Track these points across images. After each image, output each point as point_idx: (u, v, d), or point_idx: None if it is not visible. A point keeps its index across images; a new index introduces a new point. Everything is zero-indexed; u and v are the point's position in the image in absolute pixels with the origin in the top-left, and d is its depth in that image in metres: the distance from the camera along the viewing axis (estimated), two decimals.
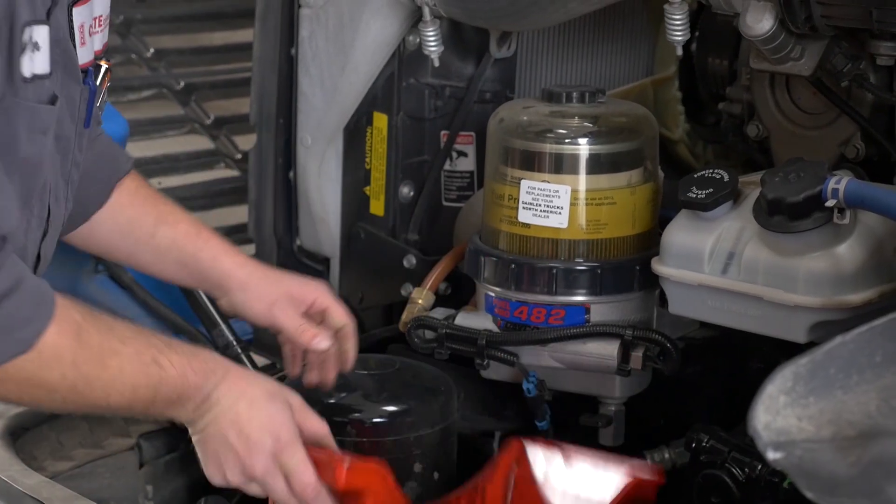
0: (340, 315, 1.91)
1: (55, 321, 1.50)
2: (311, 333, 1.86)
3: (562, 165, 1.91)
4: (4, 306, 1.46)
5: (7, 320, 1.47)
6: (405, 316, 2.08)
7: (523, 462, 1.74)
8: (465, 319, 2.01)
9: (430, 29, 2.18)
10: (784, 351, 1.60)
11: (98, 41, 1.64)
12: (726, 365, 2.04)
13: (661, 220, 1.94)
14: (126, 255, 1.92)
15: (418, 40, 2.22)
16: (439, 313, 2.05)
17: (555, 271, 1.92)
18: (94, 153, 1.79)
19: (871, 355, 1.15)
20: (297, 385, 1.99)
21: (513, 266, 1.94)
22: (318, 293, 1.90)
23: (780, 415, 1.09)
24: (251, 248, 2.59)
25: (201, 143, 3.19)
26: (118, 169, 1.88)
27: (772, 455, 1.07)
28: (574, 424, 2.01)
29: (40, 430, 2.23)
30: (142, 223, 1.88)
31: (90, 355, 1.52)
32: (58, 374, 1.51)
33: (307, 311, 1.90)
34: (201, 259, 1.88)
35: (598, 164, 1.91)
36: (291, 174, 2.41)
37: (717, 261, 1.78)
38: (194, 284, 1.98)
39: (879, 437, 1.04)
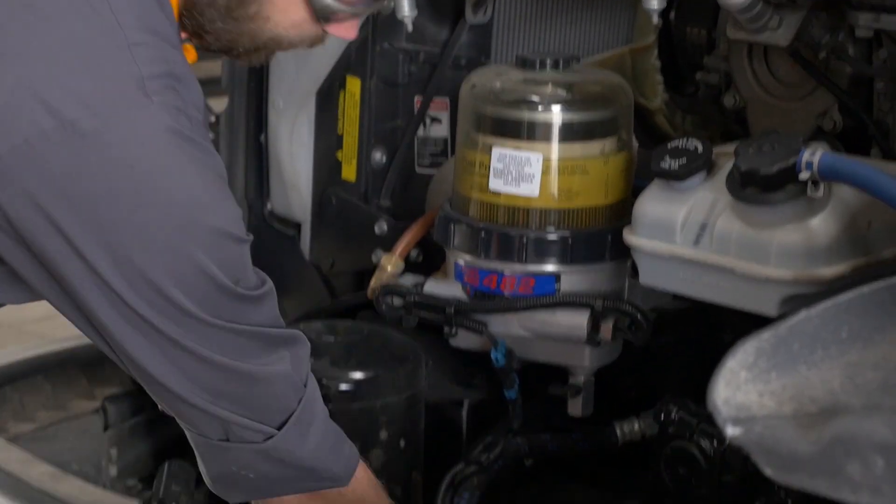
0: None
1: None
2: None
3: (534, 133, 1.88)
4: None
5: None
6: (373, 282, 2.06)
7: None
8: (434, 287, 1.99)
9: None
10: (756, 324, 1.58)
11: None
12: (698, 337, 2.02)
13: (635, 191, 1.92)
14: None
15: (392, 4, 2.19)
16: (408, 280, 2.03)
17: (525, 240, 1.89)
18: None
19: (837, 331, 1.14)
20: None
21: (483, 234, 1.91)
22: None
23: (740, 390, 1.07)
24: None
25: None
26: None
27: (731, 431, 1.05)
28: (543, 394, 1.99)
29: (3, 391, 2.21)
30: None
31: None
32: None
33: None
34: None
35: (570, 133, 1.88)
36: (263, 138, 2.38)
37: (689, 232, 1.76)
38: None
39: (841, 414, 1.02)
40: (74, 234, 1.45)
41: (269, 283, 1.59)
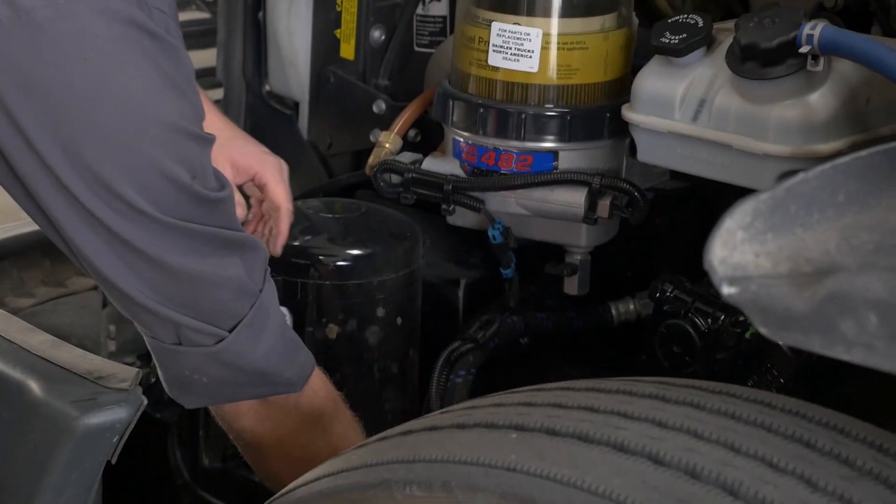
0: (276, 196, 1.87)
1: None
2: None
3: (534, 8, 1.86)
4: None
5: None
6: (371, 160, 2.06)
7: None
8: (431, 164, 1.99)
9: None
10: None
11: None
12: (695, 216, 2.02)
13: (634, 70, 1.90)
14: None
15: None
16: (406, 157, 2.02)
17: (524, 116, 1.89)
18: None
19: (834, 194, 1.13)
20: None
21: (481, 110, 1.90)
22: (261, 167, 1.86)
23: (736, 250, 1.07)
24: (220, 92, 2.55)
25: None
26: None
27: (726, 290, 1.05)
28: (539, 273, 2.00)
29: (2, 266, 2.21)
30: None
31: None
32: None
33: (247, 182, 1.86)
34: None
35: (570, 7, 1.87)
36: (261, 16, 2.36)
37: (688, 108, 1.75)
38: None
39: (836, 273, 1.02)
40: (27, 125, 1.43)
41: (229, 188, 1.57)
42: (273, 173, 1.88)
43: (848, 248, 1.08)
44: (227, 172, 1.80)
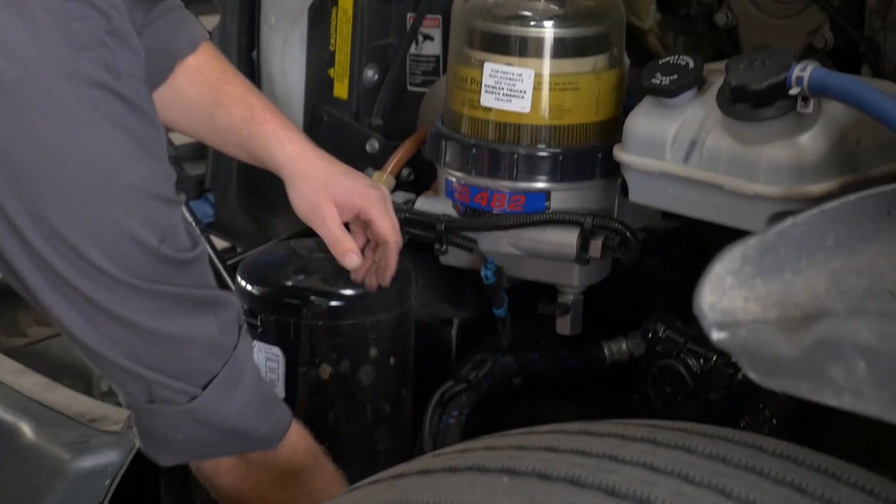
0: (383, 231, 1.82)
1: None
2: (344, 248, 1.80)
3: (526, 48, 1.88)
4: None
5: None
6: None
7: None
8: (424, 204, 1.99)
9: None
10: None
11: None
12: (687, 256, 2.03)
13: (626, 110, 1.91)
14: (193, 133, 1.87)
15: None
16: (399, 197, 2.03)
17: (516, 156, 1.89)
18: (155, 28, 1.73)
19: (823, 238, 1.14)
20: (257, 265, 1.98)
21: (474, 150, 1.91)
22: (365, 202, 1.81)
23: (726, 295, 1.08)
24: None
25: None
26: (178, 49, 1.80)
27: (716, 335, 1.05)
28: (532, 312, 2.00)
29: None
30: (201, 105, 1.81)
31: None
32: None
33: (354, 219, 1.84)
34: (255, 146, 1.81)
35: (563, 49, 1.88)
36: (255, 55, 2.37)
37: (680, 148, 1.76)
38: (257, 165, 1.87)
39: (825, 318, 1.03)
40: None
41: (202, 246, 1.57)
42: (377, 207, 1.83)
43: (837, 292, 1.08)
44: (332, 212, 1.80)
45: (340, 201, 1.81)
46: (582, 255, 1.90)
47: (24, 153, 1.43)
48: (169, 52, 1.79)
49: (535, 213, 1.91)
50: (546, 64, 1.87)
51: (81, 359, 2.15)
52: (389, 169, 2.10)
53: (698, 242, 1.99)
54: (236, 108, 1.81)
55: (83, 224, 1.45)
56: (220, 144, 1.86)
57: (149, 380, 1.54)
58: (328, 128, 2.31)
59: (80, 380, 2.11)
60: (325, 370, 1.94)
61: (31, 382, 1.65)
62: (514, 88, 1.88)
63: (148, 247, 1.49)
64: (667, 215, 1.93)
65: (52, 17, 1.41)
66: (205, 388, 1.57)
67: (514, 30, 1.88)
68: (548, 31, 1.87)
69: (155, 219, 1.50)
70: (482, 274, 1.93)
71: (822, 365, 1.01)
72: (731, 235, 1.78)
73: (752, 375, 1.05)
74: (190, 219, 2.26)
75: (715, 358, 1.83)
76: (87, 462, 1.55)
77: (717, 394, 1.83)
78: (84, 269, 1.46)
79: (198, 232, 1.57)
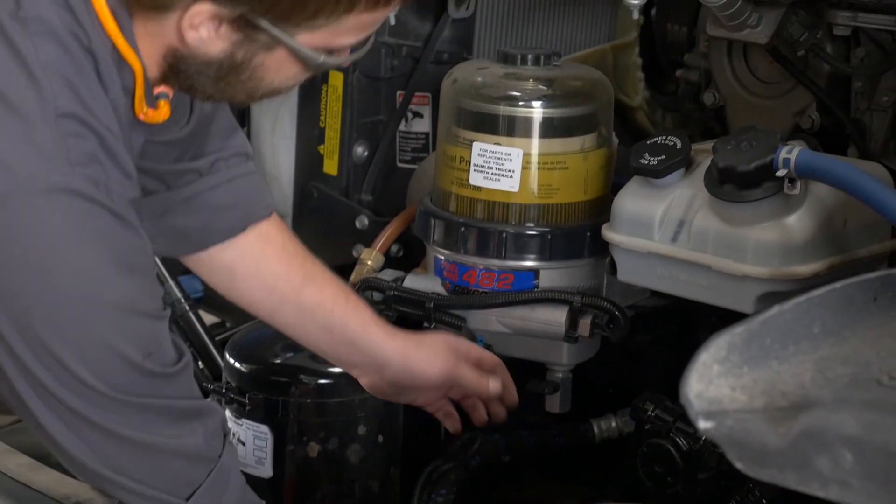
0: (492, 357, 1.90)
1: None
2: (489, 382, 1.87)
3: (514, 128, 1.89)
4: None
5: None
6: (354, 277, 2.06)
7: None
8: (413, 282, 1.99)
9: None
10: (733, 321, 1.59)
11: None
12: (675, 334, 2.03)
13: (614, 187, 1.92)
14: (268, 312, 1.83)
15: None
16: (388, 275, 2.03)
17: (504, 235, 1.90)
18: (225, 178, 1.75)
19: (809, 326, 1.14)
20: (246, 342, 1.97)
21: (462, 229, 1.92)
22: (468, 344, 1.89)
23: (712, 384, 1.08)
24: None
25: None
26: (255, 208, 1.80)
27: (703, 424, 1.06)
28: (521, 390, 1.99)
29: None
30: (288, 280, 1.80)
31: None
32: None
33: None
34: (350, 327, 1.81)
35: (551, 128, 1.89)
36: (245, 130, 2.38)
37: (668, 229, 1.77)
38: (336, 353, 1.86)
39: (810, 408, 1.03)
40: None
41: (187, 357, 1.56)
42: (474, 344, 1.90)
43: (823, 381, 1.09)
44: (458, 362, 1.85)
45: (456, 350, 1.87)
46: (571, 333, 1.90)
47: (11, 264, 1.43)
48: (244, 210, 1.78)
49: (524, 292, 1.91)
50: (535, 143, 1.88)
51: None
52: (379, 246, 2.10)
53: (687, 320, 1.99)
54: (329, 288, 1.81)
55: (68, 338, 1.45)
56: (298, 325, 1.83)
57: (131, 489, 1.53)
58: (318, 204, 2.32)
59: None
60: (314, 448, 1.93)
61: (17, 463, 1.64)
62: (502, 168, 1.88)
63: (133, 363, 1.49)
64: (656, 292, 1.93)
65: (49, 131, 1.42)
66: (189, 498, 1.56)
67: (503, 109, 1.89)
68: (536, 111, 1.88)
69: (140, 335, 1.50)
70: None
71: (809, 456, 1.01)
72: (720, 314, 1.80)
73: (739, 465, 1.05)
74: (179, 294, 2.26)
75: (704, 437, 1.82)
76: None
77: (707, 473, 1.82)
78: (69, 382, 1.46)
79: (183, 344, 1.56)
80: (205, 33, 1.46)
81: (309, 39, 1.49)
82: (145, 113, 1.54)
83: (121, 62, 1.49)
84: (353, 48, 1.55)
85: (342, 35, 1.50)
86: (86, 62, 1.45)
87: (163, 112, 1.57)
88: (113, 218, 1.45)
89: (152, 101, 1.55)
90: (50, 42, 1.42)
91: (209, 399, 1.79)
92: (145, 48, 1.50)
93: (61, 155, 1.42)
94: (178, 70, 1.52)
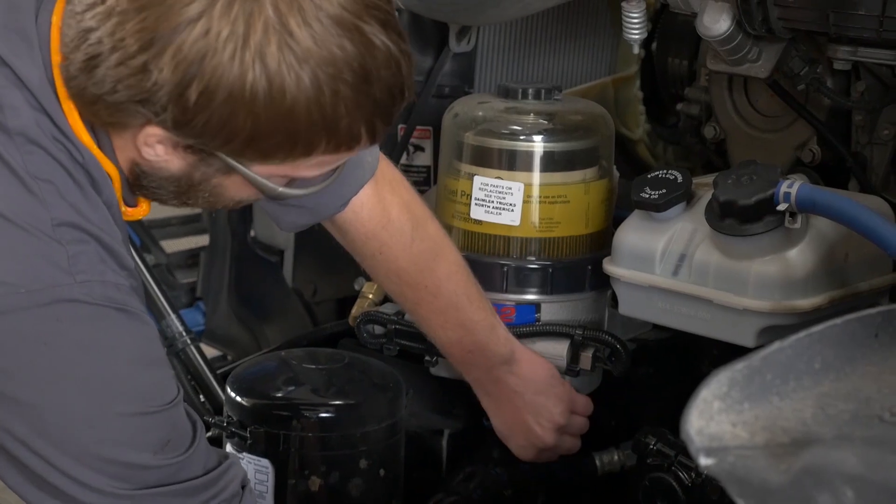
0: (580, 402, 1.98)
1: None
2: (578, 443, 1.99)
3: (515, 162, 1.89)
4: None
5: None
6: (355, 310, 2.06)
7: None
8: None
9: None
10: (735, 354, 1.59)
11: None
12: (677, 367, 2.02)
13: (616, 221, 1.92)
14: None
15: None
16: (389, 308, 2.03)
17: (506, 269, 1.90)
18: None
19: (810, 362, 1.14)
20: (247, 375, 1.97)
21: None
22: (559, 395, 1.95)
23: (713, 420, 1.08)
24: (205, 238, 2.56)
25: None
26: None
27: (704, 461, 1.05)
28: None
29: None
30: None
31: None
32: None
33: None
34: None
35: (552, 162, 1.89)
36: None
37: (669, 262, 1.77)
38: (461, 354, 1.91)
39: (812, 444, 1.03)
40: None
41: (199, 432, 1.56)
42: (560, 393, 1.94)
43: (824, 417, 1.08)
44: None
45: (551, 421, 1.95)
46: (572, 367, 1.90)
47: (21, 378, 1.44)
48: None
49: (526, 325, 1.91)
50: (536, 177, 1.89)
51: None
52: None
53: (689, 353, 1.99)
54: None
55: (80, 446, 1.46)
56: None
57: None
58: (319, 237, 2.30)
59: None
60: (315, 482, 1.92)
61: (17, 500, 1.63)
62: (503, 201, 1.89)
63: (146, 465, 1.49)
64: (657, 326, 1.93)
65: (48, 241, 1.43)
66: None
67: (504, 143, 1.89)
68: (537, 144, 1.89)
69: (156, 431, 1.51)
70: None
71: (810, 493, 1.00)
72: (721, 346, 1.80)
73: (741, 502, 1.04)
74: (180, 328, 2.26)
75: (702, 469, 1.81)
76: None
77: None
78: (82, 487, 1.47)
79: (194, 414, 1.56)
80: (161, 152, 1.45)
81: (266, 171, 1.46)
82: (124, 212, 1.55)
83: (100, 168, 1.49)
84: (320, 179, 1.52)
85: (303, 170, 1.47)
86: (73, 168, 1.46)
87: (142, 209, 1.58)
88: (119, 314, 1.45)
89: (132, 200, 1.56)
90: (37, 152, 1.43)
91: (225, 450, 1.79)
92: (119, 156, 1.50)
93: (61, 264, 1.43)
94: (141, 183, 1.52)
